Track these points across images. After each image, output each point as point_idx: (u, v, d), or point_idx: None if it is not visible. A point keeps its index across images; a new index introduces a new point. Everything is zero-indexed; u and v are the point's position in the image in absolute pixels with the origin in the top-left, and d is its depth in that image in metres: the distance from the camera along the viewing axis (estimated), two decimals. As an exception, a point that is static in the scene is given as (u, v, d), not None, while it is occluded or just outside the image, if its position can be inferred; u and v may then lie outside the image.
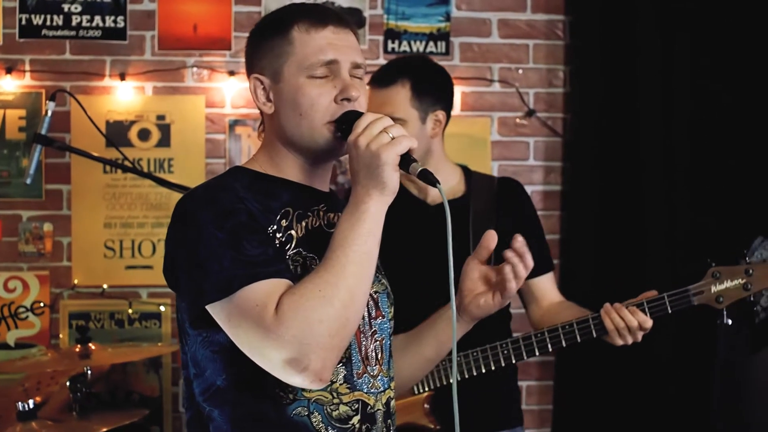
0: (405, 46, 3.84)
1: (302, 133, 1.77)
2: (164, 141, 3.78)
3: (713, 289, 2.49)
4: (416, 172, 1.66)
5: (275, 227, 1.73)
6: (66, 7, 3.73)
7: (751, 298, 2.49)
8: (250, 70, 1.85)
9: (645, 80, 3.69)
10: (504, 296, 1.89)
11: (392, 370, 1.88)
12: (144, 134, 3.77)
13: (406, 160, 1.67)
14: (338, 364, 1.73)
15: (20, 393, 3.45)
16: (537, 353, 2.59)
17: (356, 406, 1.76)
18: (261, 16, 3.59)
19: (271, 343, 1.59)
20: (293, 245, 1.74)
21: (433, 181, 1.66)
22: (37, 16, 3.72)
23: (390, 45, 3.84)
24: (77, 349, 3.20)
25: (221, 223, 1.67)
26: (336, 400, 1.73)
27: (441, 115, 2.72)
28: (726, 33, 3.62)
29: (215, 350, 1.73)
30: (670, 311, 2.49)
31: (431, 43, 3.84)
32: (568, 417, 3.80)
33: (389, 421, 1.83)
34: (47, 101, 3.17)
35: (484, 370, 2.61)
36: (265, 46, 1.81)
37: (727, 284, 2.48)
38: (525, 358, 2.60)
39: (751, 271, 2.47)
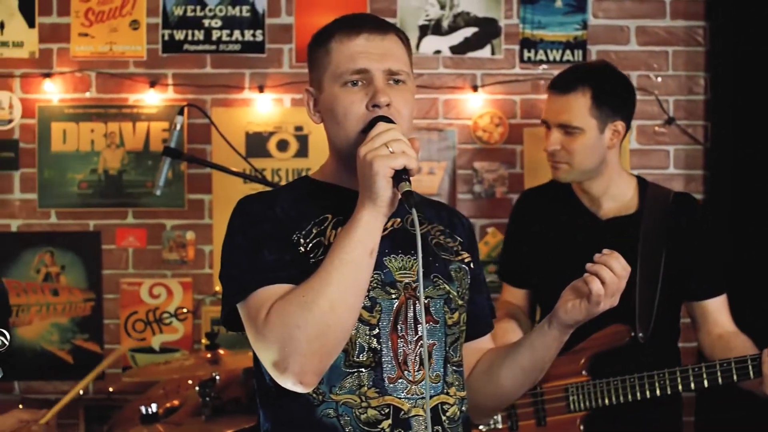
0: (541, 55, 3.81)
1: (341, 142, 1.82)
2: (302, 152, 3.84)
3: None
4: (401, 191, 1.65)
5: (303, 233, 1.79)
6: (206, 22, 3.84)
7: None
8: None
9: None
10: (591, 301, 1.80)
11: (450, 377, 1.84)
12: (282, 145, 3.85)
13: (398, 177, 1.66)
14: (365, 368, 1.75)
15: (160, 395, 3.55)
16: (693, 387, 2.51)
17: (386, 411, 1.75)
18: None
19: (260, 345, 1.71)
20: (321, 251, 1.77)
21: (411, 204, 1.64)
22: (179, 32, 3.84)
23: (526, 54, 3.82)
24: (207, 355, 3.29)
25: (246, 231, 1.79)
26: (364, 404, 1.74)
27: (620, 125, 2.66)
28: None
29: None
30: None
31: (568, 52, 3.80)
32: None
33: (437, 428, 1.79)
34: (177, 115, 3.23)
35: (634, 398, 2.54)
36: (313, 59, 1.89)
37: None
38: (680, 390, 2.52)
39: None
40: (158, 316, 3.85)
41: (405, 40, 1.88)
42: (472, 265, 1.95)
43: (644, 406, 2.56)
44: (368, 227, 1.68)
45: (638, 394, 2.54)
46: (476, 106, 3.82)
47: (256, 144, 3.81)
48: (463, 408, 1.85)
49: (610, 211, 2.72)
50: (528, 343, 1.91)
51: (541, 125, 2.76)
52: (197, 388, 3.27)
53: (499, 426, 2.70)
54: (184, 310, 3.83)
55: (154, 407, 3.19)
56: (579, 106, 2.61)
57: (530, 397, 2.68)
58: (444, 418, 1.80)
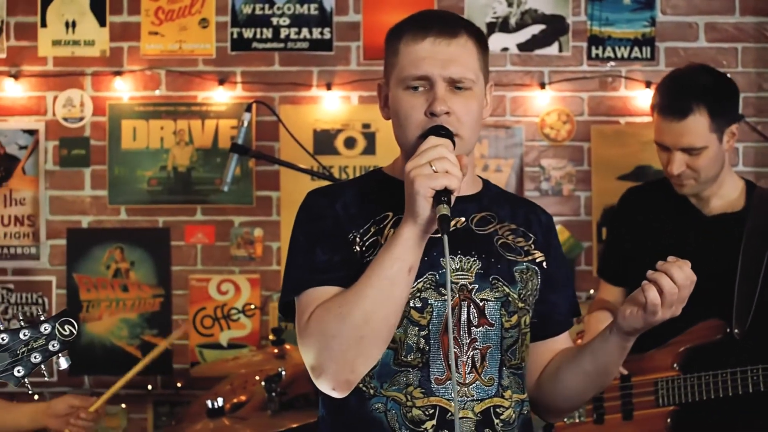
0: (609, 52, 3.81)
1: (403, 143, 1.83)
2: (370, 149, 3.87)
3: None
4: (438, 214, 1.62)
5: (360, 231, 1.81)
6: (275, 20, 3.87)
7: None
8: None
9: None
10: (647, 310, 1.74)
11: (506, 380, 1.82)
12: (350, 142, 3.87)
13: (438, 197, 1.64)
14: (412, 368, 1.76)
15: (227, 391, 3.57)
16: None
17: (431, 411, 1.76)
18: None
19: (301, 348, 1.77)
20: (376, 251, 1.77)
21: (445, 230, 1.61)
22: (248, 30, 3.88)
23: (594, 51, 3.82)
24: (275, 351, 3.31)
25: (307, 227, 1.85)
26: (409, 403, 1.76)
27: (735, 127, 2.66)
28: None
29: None
30: None
31: (636, 49, 3.80)
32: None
33: (487, 431, 1.78)
34: (245, 112, 3.25)
35: (725, 394, 2.50)
36: (386, 56, 1.88)
37: None
38: (762, 388, 2.47)
39: None
40: (226, 312, 3.88)
41: (478, 39, 1.83)
42: (545, 264, 1.92)
43: (738, 403, 2.52)
44: (408, 244, 1.69)
45: (729, 390, 2.50)
46: (543, 103, 3.83)
47: (324, 141, 3.84)
48: (523, 410, 1.84)
49: (716, 208, 2.70)
50: (590, 349, 1.88)
51: (656, 146, 2.70)
52: (263, 383, 3.29)
53: (584, 419, 2.70)
54: (252, 307, 3.86)
55: (220, 401, 3.22)
56: (699, 127, 2.57)
57: (619, 390, 2.67)
58: (497, 421, 1.79)
